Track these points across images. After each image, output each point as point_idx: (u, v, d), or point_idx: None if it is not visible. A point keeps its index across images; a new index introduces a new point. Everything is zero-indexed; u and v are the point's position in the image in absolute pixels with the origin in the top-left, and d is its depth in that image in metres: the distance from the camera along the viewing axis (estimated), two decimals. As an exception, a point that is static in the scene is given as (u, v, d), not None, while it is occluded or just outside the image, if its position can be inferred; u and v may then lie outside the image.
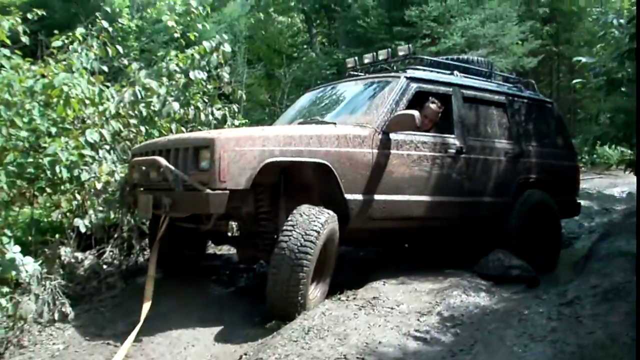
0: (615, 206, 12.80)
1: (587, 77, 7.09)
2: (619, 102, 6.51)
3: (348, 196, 6.69)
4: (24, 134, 6.84)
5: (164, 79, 8.29)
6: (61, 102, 7.14)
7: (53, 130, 7.18)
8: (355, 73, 8.92)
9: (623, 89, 6.79)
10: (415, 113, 6.90)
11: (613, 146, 8.40)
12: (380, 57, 8.53)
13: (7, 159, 6.79)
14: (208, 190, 5.80)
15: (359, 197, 6.82)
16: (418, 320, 5.86)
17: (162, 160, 6.13)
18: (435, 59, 9.25)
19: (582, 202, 11.65)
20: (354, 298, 6.30)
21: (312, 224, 6.00)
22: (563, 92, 25.38)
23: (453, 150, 7.77)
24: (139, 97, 7.82)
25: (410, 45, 8.36)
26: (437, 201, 7.56)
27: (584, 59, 6.89)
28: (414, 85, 7.62)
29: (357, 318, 5.76)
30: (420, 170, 7.39)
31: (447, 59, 9.29)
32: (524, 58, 20.52)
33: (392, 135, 7.14)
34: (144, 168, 6.58)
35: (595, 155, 20.98)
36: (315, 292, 6.34)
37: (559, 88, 25.46)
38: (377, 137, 7.01)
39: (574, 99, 24.51)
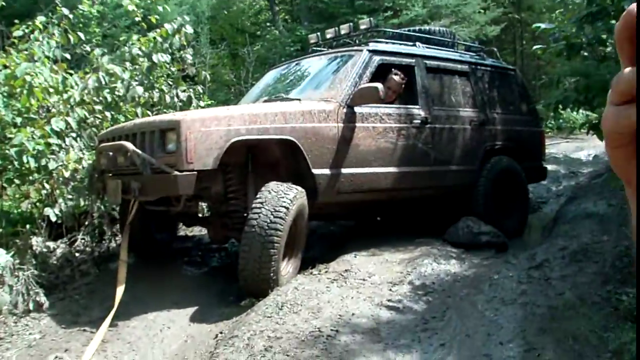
0: (581, 169, 12.97)
1: (548, 43, 7.12)
2: (577, 66, 6.57)
3: (315, 171, 6.69)
4: None
5: (127, 64, 8.25)
6: (24, 92, 7.11)
7: (18, 120, 7.15)
8: (319, 49, 8.92)
9: (583, 53, 6.85)
10: (379, 85, 6.93)
11: (578, 110, 8.46)
12: (343, 32, 8.55)
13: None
14: (176, 172, 5.77)
15: (327, 171, 6.82)
16: (390, 290, 5.93)
17: (129, 145, 6.08)
18: (397, 31, 9.30)
19: (550, 167, 11.80)
20: (326, 272, 6.35)
21: (280, 200, 6.01)
22: (527, 59, 25.53)
23: (418, 121, 7.78)
24: (103, 82, 7.78)
25: (371, 19, 8.40)
26: (405, 172, 7.56)
27: (543, 25, 6.93)
28: (377, 58, 7.62)
29: (329, 291, 5.81)
30: (386, 142, 7.40)
31: (409, 30, 9.33)
32: (487, 27, 20.57)
33: (357, 109, 7.13)
34: (111, 153, 6.53)
35: (561, 120, 21.17)
36: (287, 267, 6.36)
37: (523, 55, 25.60)
38: (342, 111, 7.00)
39: (538, 65, 24.66)
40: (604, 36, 6.63)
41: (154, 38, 8.42)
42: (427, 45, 8.72)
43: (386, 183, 7.42)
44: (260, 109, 6.68)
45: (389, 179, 7.43)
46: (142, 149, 6.09)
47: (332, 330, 5.04)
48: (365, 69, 7.40)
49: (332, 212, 7.91)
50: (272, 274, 5.93)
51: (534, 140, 9.71)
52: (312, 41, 9.11)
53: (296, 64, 8.77)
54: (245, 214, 6.37)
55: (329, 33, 8.77)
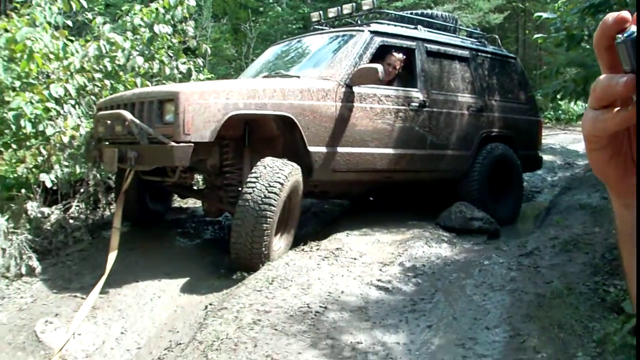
0: (577, 161, 13.01)
1: (550, 32, 7.11)
2: (575, 57, 6.57)
3: (311, 148, 6.74)
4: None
5: (129, 34, 8.25)
6: (24, 57, 7.11)
7: (17, 84, 7.15)
8: (321, 27, 8.97)
9: (584, 44, 6.85)
10: (379, 66, 6.94)
11: (576, 101, 8.47)
12: (345, 11, 8.52)
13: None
14: (172, 143, 5.81)
15: (323, 149, 6.87)
16: (380, 270, 5.97)
17: (127, 114, 6.07)
18: (399, 13, 9.35)
19: (546, 157, 11.83)
20: (318, 249, 6.38)
21: (275, 175, 6.03)
22: (529, 49, 25.54)
23: (416, 104, 7.80)
24: (104, 51, 7.79)
25: (374, 0, 8.35)
26: (400, 154, 7.61)
27: (545, 15, 6.92)
28: (378, 39, 7.64)
29: (320, 268, 5.85)
30: (384, 123, 7.43)
31: (412, 13, 9.34)
32: (490, 14, 20.54)
33: (356, 89, 7.16)
34: (109, 122, 6.50)
35: (559, 111, 21.20)
36: (279, 243, 6.40)
37: (525, 44, 25.60)
38: (341, 90, 7.04)
39: (539, 55, 24.61)
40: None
41: (157, 9, 8.42)
42: (429, 30, 8.74)
43: (381, 164, 7.45)
44: (259, 84, 6.69)
45: (384, 160, 7.46)
46: (140, 118, 6.09)
47: (320, 306, 5.08)
48: (366, 49, 7.42)
49: (327, 190, 7.85)
50: (263, 249, 5.95)
51: (531, 129, 9.74)
52: (314, 19, 9.10)
53: (297, 42, 8.81)
54: (240, 188, 6.41)
55: (331, 12, 8.73)
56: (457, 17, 10.71)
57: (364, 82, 7.12)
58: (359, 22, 8.60)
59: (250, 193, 5.93)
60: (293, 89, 6.66)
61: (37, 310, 5.43)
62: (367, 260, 6.22)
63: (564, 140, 16.07)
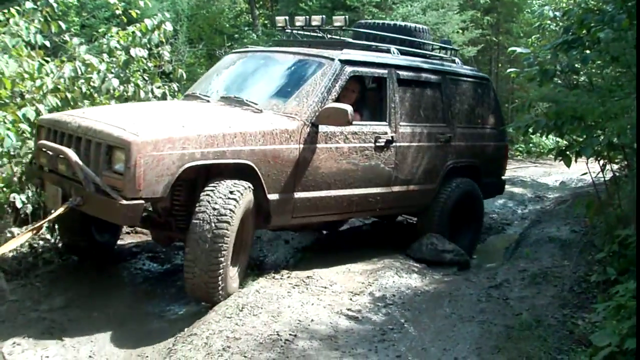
0: (548, 194, 13.12)
1: (523, 67, 7.19)
2: (548, 92, 6.65)
3: (271, 196, 6.32)
4: None
5: (105, 56, 8.20)
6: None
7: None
8: (287, 35, 8.51)
9: (556, 80, 6.94)
10: (349, 108, 6.43)
11: (547, 135, 8.54)
12: (314, 23, 7.87)
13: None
14: (122, 201, 5.37)
15: (283, 196, 6.45)
16: (350, 299, 5.98)
17: (72, 155, 5.63)
18: (373, 32, 8.38)
19: (516, 190, 11.98)
20: (288, 277, 6.37)
21: (226, 201, 5.66)
22: (502, 82, 25.66)
23: (383, 140, 7.28)
24: (79, 72, 7.74)
25: (347, 17, 7.68)
26: (364, 194, 7.20)
27: (519, 49, 6.98)
28: (349, 70, 7.06)
29: (290, 296, 5.84)
30: (349, 163, 6.96)
31: (384, 24, 8.84)
32: (464, 47, 20.68)
33: (322, 128, 6.68)
34: (50, 153, 6.01)
35: (531, 144, 21.38)
36: (235, 270, 6.07)
37: (498, 77, 25.74)
38: (305, 130, 6.55)
39: (512, 89, 24.78)
40: (578, 65, 6.73)
41: (133, 32, 8.40)
42: (402, 47, 8.13)
43: (344, 206, 7.07)
44: (218, 128, 5.98)
45: (346, 202, 7.05)
46: (86, 158, 5.70)
47: (290, 334, 5.08)
48: (335, 82, 6.88)
49: (285, 229, 7.79)
50: (220, 282, 5.65)
51: (498, 155, 9.35)
52: (279, 24, 8.36)
53: (263, 57, 7.86)
54: (188, 214, 5.98)
55: (299, 21, 8.03)
56: (430, 29, 9.67)
57: (332, 123, 6.63)
58: (326, 36, 8.17)
59: (200, 224, 5.56)
60: (255, 134, 6.15)
61: (5, 332, 5.37)
62: (338, 289, 6.22)
63: (534, 173, 16.19)
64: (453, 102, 8.44)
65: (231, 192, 5.74)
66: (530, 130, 6.59)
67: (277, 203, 6.39)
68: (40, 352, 5.08)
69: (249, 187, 5.98)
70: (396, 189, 7.56)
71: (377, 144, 7.22)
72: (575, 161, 6.43)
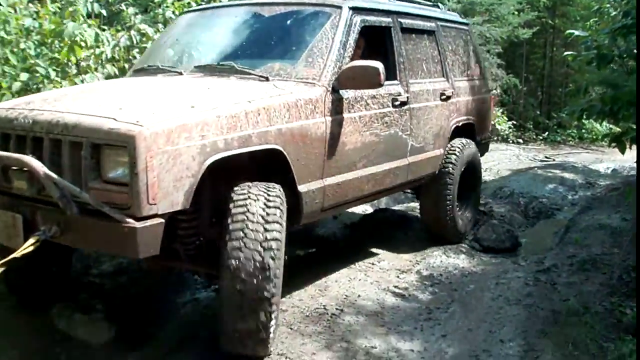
0: (599, 181, 12.94)
1: (580, 51, 7.06)
2: (606, 76, 6.55)
3: (302, 187, 4.85)
4: (24, 76, 6.75)
5: (160, 26, 8.27)
6: (65, 48, 7.10)
7: (51, 72, 7.12)
8: None
9: (612, 65, 6.84)
10: (379, 66, 5.08)
11: (602, 121, 8.43)
12: None
13: (2, 99, 6.69)
14: (131, 222, 3.66)
15: (313, 185, 5.00)
16: (397, 277, 6.01)
17: (36, 165, 3.83)
18: None
19: (567, 175, 11.81)
20: (336, 252, 6.40)
21: (269, 213, 4.19)
22: (556, 66, 25.37)
23: (398, 102, 6.02)
24: (134, 42, 7.81)
25: None
26: (386, 170, 5.96)
27: (577, 32, 6.86)
28: (358, 19, 5.67)
29: (337, 271, 5.88)
30: (372, 134, 5.66)
31: None
32: (519, 28, 20.45)
33: (343, 93, 5.28)
34: None
35: (583, 130, 21.14)
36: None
37: (552, 61, 25.46)
38: (329, 97, 5.12)
39: (566, 73, 24.51)
40: (635, 50, 6.63)
41: (189, 2, 8.44)
42: None
43: (369, 187, 5.78)
44: (237, 105, 4.39)
45: (371, 182, 5.77)
46: (55, 167, 3.92)
47: (337, 309, 5.13)
48: (348, 34, 5.48)
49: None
50: (271, 327, 4.19)
51: (486, 109, 8.32)
52: None
53: (238, 14, 6.12)
54: (198, 238, 4.55)
55: None
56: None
57: (357, 86, 5.30)
58: None
59: (238, 251, 4.00)
60: (279, 107, 4.65)
61: None
62: (385, 266, 6.26)
63: (586, 159, 15.97)
64: (448, 53, 7.36)
65: (269, 198, 4.28)
66: (585, 115, 6.51)
67: (308, 196, 4.94)
68: None
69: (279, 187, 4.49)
70: (411, 159, 6.37)
71: (395, 108, 5.99)
72: (630, 148, 6.33)
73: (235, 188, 4.27)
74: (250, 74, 5.12)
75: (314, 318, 4.94)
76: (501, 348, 4.72)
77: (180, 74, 5.44)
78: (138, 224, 3.65)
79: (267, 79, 5.02)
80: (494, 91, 18.35)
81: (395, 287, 5.74)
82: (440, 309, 5.38)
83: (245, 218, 4.06)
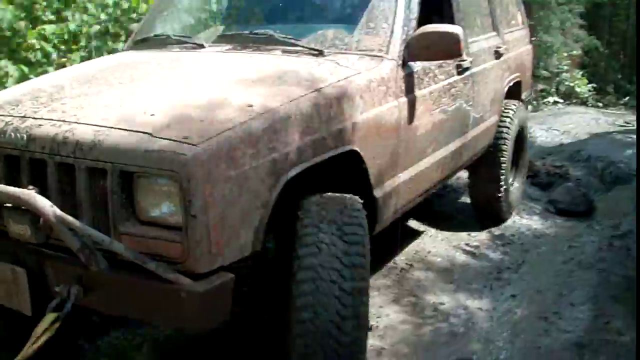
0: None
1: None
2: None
3: (377, 192, 3.79)
4: (104, 16, 6.75)
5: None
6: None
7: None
8: None
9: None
10: (459, 31, 3.98)
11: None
12: None
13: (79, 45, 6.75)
14: (191, 286, 2.61)
15: (388, 186, 3.97)
16: (469, 235, 5.99)
17: (42, 205, 2.64)
18: None
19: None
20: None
21: (353, 228, 3.12)
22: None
23: (462, 68, 4.93)
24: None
25: None
26: (452, 151, 4.99)
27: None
28: None
29: (408, 225, 5.88)
30: (440, 112, 4.59)
31: None
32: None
33: (412, 66, 4.15)
34: None
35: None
36: None
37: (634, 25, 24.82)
38: (400, 73, 4.02)
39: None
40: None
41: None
42: None
43: (437, 175, 4.81)
44: (304, 97, 3.22)
45: (440, 168, 4.81)
46: (70, 196, 2.86)
47: (407, 264, 5.15)
48: None
49: None
50: None
51: (530, 63, 7.32)
52: None
53: None
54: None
55: None
56: None
57: (432, 57, 4.13)
58: None
59: (315, 287, 2.92)
60: (350, 92, 3.52)
61: None
62: (456, 223, 6.22)
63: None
64: (496, 1, 6.23)
65: (353, 214, 3.20)
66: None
67: (384, 200, 3.91)
68: None
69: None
70: (472, 134, 5.39)
71: (458, 75, 4.89)
72: None
73: (306, 203, 3.20)
74: (298, 45, 3.97)
75: (384, 271, 4.97)
76: (571, 311, 4.66)
77: (202, 46, 4.25)
78: (200, 286, 2.61)
79: (321, 53, 3.87)
80: (574, 52, 18.01)
81: (466, 244, 5.73)
82: (511, 269, 5.36)
83: (323, 245, 3.00)
